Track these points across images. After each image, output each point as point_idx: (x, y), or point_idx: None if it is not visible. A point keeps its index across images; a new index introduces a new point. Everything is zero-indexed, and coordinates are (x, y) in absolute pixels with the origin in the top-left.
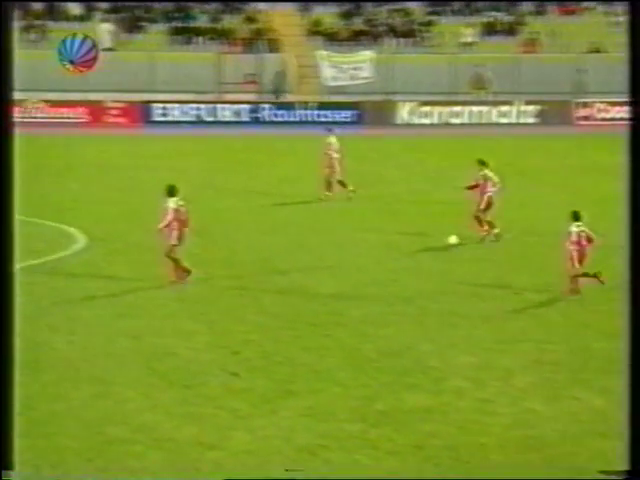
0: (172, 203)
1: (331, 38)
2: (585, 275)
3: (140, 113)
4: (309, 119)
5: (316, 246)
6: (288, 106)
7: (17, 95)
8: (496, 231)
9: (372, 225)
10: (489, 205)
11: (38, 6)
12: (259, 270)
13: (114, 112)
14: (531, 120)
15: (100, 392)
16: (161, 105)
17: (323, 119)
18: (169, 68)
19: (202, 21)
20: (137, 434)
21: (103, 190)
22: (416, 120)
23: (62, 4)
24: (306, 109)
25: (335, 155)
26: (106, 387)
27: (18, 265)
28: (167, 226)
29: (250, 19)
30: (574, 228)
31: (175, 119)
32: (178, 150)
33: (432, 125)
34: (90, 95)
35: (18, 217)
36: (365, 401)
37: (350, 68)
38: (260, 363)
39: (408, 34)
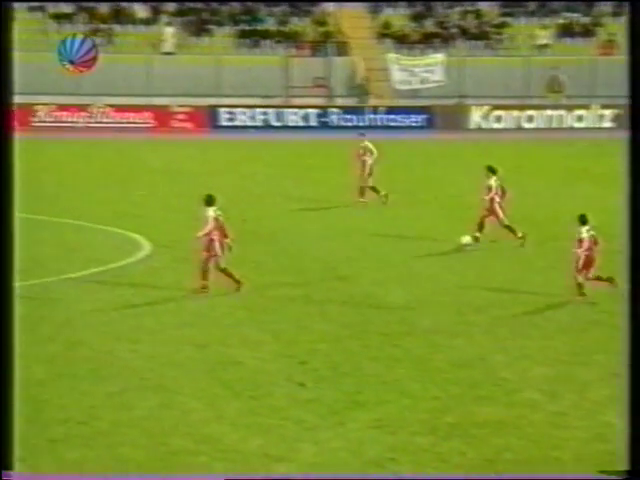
0: (212, 212)
1: (401, 40)
2: (598, 279)
3: (206, 118)
4: (378, 123)
5: (384, 253)
6: (357, 110)
7: (83, 100)
8: (520, 234)
9: (440, 232)
10: (503, 212)
11: (104, 9)
12: (326, 278)
13: (180, 117)
14: (608, 124)
15: (165, 402)
16: (228, 110)
17: (392, 123)
18: (236, 72)
19: (270, 24)
20: (202, 445)
21: (168, 196)
22: (488, 124)
23: (128, 7)
24: (375, 113)
25: (369, 160)
26: (171, 397)
27: (84, 272)
28: (207, 235)
29: (319, 22)
30: (585, 233)
31: (242, 124)
32: (245, 155)
33: (505, 129)
34: (156, 99)
35: (83, 224)
36: (435, 413)
37: (421, 71)
38: (327, 373)
39: (480, 36)
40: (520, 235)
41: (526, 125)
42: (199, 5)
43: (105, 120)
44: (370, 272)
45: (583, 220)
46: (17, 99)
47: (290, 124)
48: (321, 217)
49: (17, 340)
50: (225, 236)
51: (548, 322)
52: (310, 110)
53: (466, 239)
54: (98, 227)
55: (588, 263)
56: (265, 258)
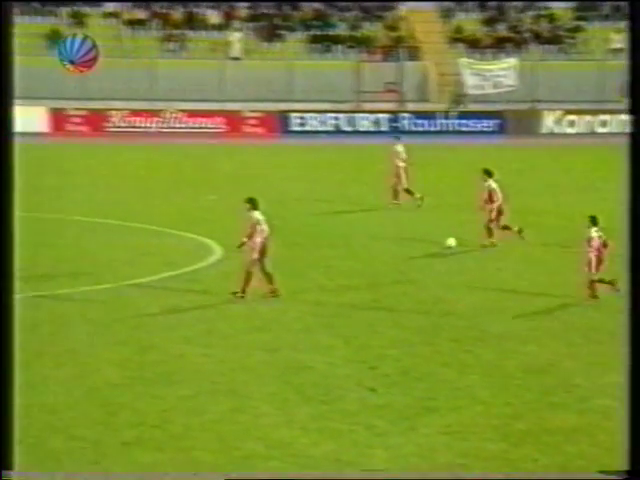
0: (259, 215)
1: (473, 45)
2: (601, 281)
3: (278, 123)
4: (450, 128)
5: (454, 258)
6: (428, 115)
7: (156, 105)
8: (516, 229)
9: (510, 238)
10: (500, 214)
11: (177, 15)
12: (396, 282)
13: (252, 122)
14: None
15: (236, 406)
16: (299, 115)
17: (464, 128)
18: (307, 77)
19: (341, 29)
20: (273, 450)
21: (240, 201)
22: (561, 129)
23: (201, 13)
24: (447, 118)
25: (401, 164)
26: (242, 401)
27: (156, 276)
28: (250, 238)
29: (390, 26)
30: (594, 234)
31: (313, 129)
32: (315, 160)
33: (578, 134)
34: (228, 105)
35: (155, 228)
36: (507, 420)
37: (493, 76)
38: (398, 379)
39: (554, 40)
40: (519, 232)
41: (599, 130)
42: (271, 10)
43: (177, 125)
44: (440, 277)
45: (593, 221)
46: (91, 105)
47: (361, 129)
48: (392, 222)
49: (88, 343)
50: (267, 240)
51: (621, 327)
52: (381, 115)
53: (450, 241)
54: (170, 232)
55: (597, 265)
56: (335, 262)
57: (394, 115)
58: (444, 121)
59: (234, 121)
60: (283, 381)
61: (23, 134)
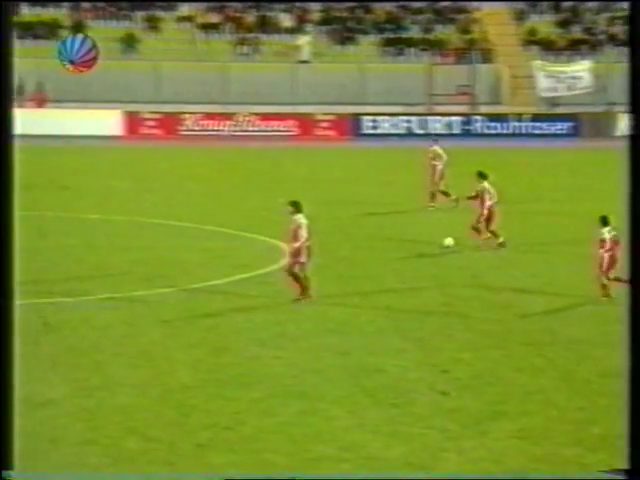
0: (302, 219)
1: (547, 47)
2: (617, 280)
3: (350, 126)
4: (523, 131)
5: (527, 262)
6: (501, 118)
7: (229, 108)
8: (500, 240)
9: (585, 240)
10: (490, 216)
11: (251, 19)
12: (467, 286)
13: (324, 125)
14: None
15: (307, 409)
16: (371, 118)
17: (537, 131)
18: (380, 80)
19: (414, 32)
20: (345, 452)
21: (312, 204)
22: None
23: (274, 17)
24: (520, 121)
25: (439, 165)
26: (313, 404)
27: (230, 278)
28: (301, 243)
29: (463, 29)
30: (607, 234)
31: (385, 132)
32: (387, 163)
33: None
34: (300, 108)
35: (228, 231)
36: (581, 424)
37: (567, 78)
38: (470, 382)
39: None
40: (500, 241)
41: None
42: (344, 14)
43: (250, 128)
44: (511, 280)
45: (604, 221)
46: (165, 108)
47: (433, 132)
48: (463, 225)
49: (162, 345)
50: (308, 243)
51: None
52: (454, 118)
53: (448, 241)
54: (243, 234)
55: (611, 264)
56: (406, 265)
57: (466, 118)
58: (517, 124)
59: (306, 124)
60: (355, 384)
61: (98, 137)
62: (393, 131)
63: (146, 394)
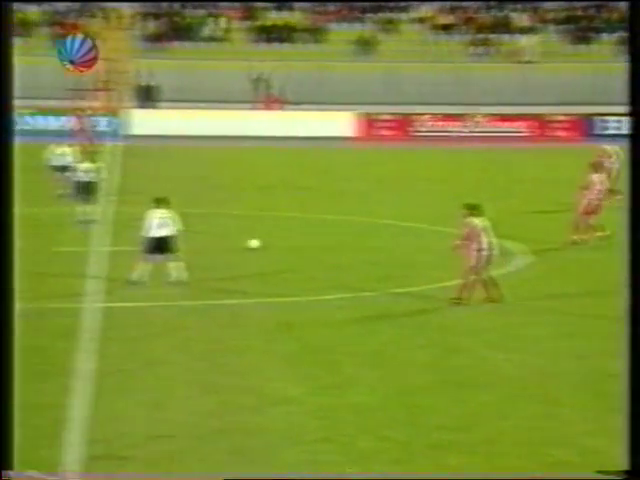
0: (477, 222)
1: None
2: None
3: (583, 126)
4: None
5: None
6: None
7: (462, 109)
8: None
9: None
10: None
11: (487, 19)
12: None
13: (556, 125)
14: None
15: (543, 412)
16: (602, 118)
17: None
18: (615, 81)
19: None
20: (586, 457)
21: (544, 205)
22: None
23: (510, 17)
24: None
25: (616, 165)
26: (548, 407)
27: (463, 279)
28: (469, 242)
29: None
30: None
31: (616, 132)
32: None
33: None
34: (531, 108)
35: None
36: None
37: None
38: None
39: None
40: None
41: None
42: (579, 13)
43: (483, 129)
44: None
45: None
46: (398, 109)
47: None
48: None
49: (394, 344)
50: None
51: None
52: None
53: (253, 243)
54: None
55: None
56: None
57: None
58: None
59: (538, 125)
60: (593, 389)
61: (332, 138)
62: (623, 131)
63: (379, 393)
